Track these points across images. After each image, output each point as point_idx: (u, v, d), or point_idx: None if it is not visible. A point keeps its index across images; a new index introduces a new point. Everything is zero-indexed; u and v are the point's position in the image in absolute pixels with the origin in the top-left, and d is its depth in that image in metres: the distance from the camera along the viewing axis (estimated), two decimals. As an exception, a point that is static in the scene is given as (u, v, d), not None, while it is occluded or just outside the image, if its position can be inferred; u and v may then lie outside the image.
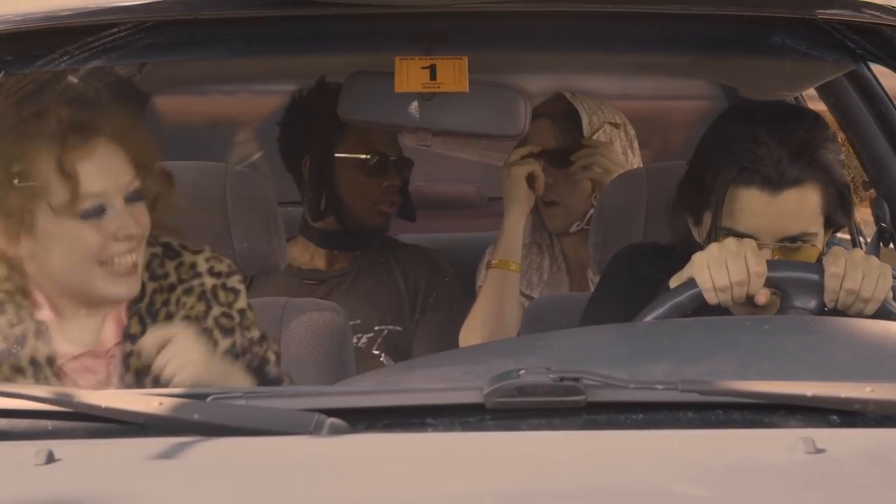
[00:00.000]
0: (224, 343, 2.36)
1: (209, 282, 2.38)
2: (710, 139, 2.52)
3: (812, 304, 2.35)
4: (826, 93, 3.38)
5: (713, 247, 2.37)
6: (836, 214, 2.46)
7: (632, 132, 3.47)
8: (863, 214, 3.75)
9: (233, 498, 1.57)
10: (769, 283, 2.35)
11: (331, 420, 1.72)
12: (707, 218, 2.45)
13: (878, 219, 3.21)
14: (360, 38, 2.55)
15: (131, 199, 2.29)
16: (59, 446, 1.68)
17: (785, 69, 3.06)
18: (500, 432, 1.76)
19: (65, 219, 2.23)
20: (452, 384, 1.87)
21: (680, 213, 2.58)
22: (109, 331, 2.32)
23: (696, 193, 2.49)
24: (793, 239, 2.42)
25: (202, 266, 2.39)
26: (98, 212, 2.25)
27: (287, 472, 1.62)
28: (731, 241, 2.37)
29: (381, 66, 2.62)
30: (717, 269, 2.33)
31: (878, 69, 3.13)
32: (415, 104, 2.59)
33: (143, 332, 2.30)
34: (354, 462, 1.66)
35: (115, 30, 2.43)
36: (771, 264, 2.36)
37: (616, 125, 3.40)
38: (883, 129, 3.33)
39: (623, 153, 3.40)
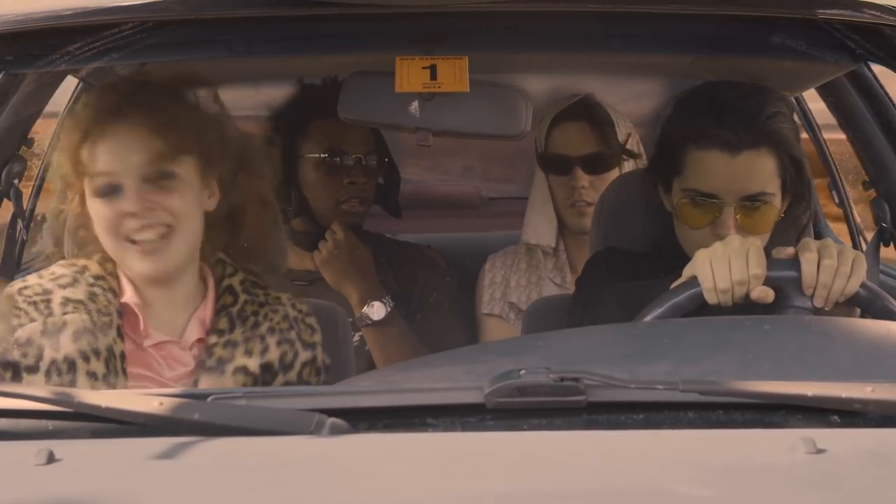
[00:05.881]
0: (304, 355, 2.47)
1: (292, 312, 2.51)
2: (677, 113, 2.74)
3: (810, 303, 2.36)
4: (826, 93, 3.37)
5: (717, 245, 2.39)
6: (792, 179, 2.65)
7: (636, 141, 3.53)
8: (863, 214, 3.75)
9: (233, 498, 1.57)
10: (767, 282, 2.36)
11: (331, 420, 1.73)
12: (676, 183, 2.66)
13: (878, 219, 3.20)
14: (360, 38, 2.55)
15: (149, 179, 2.35)
16: (60, 446, 1.68)
17: (785, 69, 3.06)
18: (501, 432, 1.76)
19: (92, 197, 2.38)
20: (453, 384, 1.87)
21: (651, 181, 2.79)
22: (194, 326, 2.43)
23: (665, 162, 2.70)
24: (752, 198, 2.60)
25: (285, 301, 2.53)
26: (112, 190, 2.35)
27: (287, 472, 1.62)
28: (734, 239, 2.40)
29: (381, 66, 2.62)
30: (720, 267, 2.36)
31: (878, 69, 3.13)
32: (415, 104, 2.59)
33: (231, 330, 2.43)
34: (355, 462, 1.66)
35: (116, 30, 2.43)
36: (770, 264, 2.38)
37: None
38: (883, 129, 3.32)
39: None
